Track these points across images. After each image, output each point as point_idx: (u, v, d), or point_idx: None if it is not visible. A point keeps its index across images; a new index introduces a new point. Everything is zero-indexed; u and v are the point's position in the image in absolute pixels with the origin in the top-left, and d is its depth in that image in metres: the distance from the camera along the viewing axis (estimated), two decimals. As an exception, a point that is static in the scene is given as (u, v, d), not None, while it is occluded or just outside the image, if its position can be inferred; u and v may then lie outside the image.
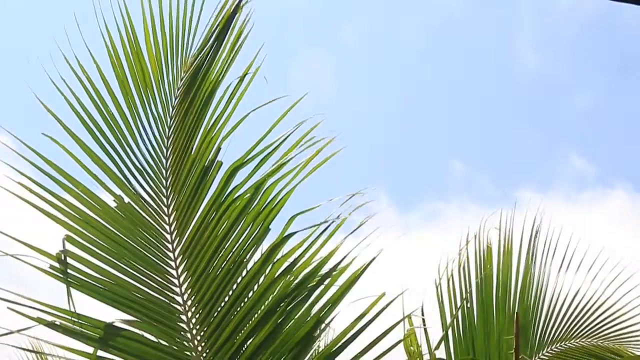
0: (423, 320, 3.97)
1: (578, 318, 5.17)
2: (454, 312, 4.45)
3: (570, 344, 5.16)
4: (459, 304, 4.50)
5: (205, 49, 3.76)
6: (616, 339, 5.26)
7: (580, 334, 5.19)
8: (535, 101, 11.55)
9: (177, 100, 3.78)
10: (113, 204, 3.64)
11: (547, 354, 5.02)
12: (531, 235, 4.99)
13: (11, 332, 3.36)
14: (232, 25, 3.73)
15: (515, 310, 4.70)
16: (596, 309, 5.23)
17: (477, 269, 4.67)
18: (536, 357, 4.92)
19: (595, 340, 5.24)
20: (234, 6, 3.73)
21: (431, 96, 11.53)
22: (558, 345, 5.09)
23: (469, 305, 4.55)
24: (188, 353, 3.60)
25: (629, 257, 5.18)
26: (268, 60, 3.72)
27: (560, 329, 5.09)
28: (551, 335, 5.04)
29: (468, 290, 4.55)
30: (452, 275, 4.52)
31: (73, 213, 3.58)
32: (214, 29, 3.76)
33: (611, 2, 2.35)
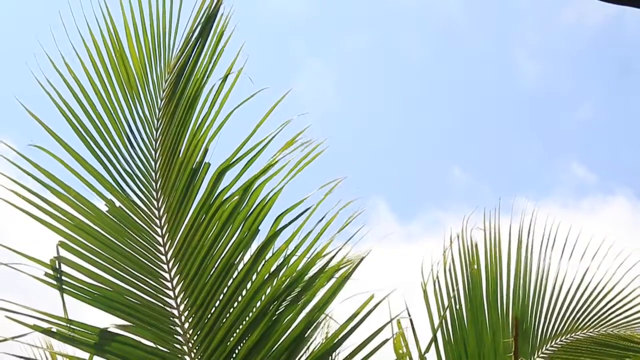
0: (411, 322, 3.97)
1: (583, 309, 5.09)
2: (442, 313, 4.41)
3: (577, 335, 5.11)
4: (446, 304, 4.45)
5: (187, 49, 3.73)
6: (626, 326, 5.19)
7: (587, 325, 5.12)
8: (536, 109, 11.54)
9: (163, 102, 3.76)
10: (104, 208, 3.65)
11: (552, 347, 4.97)
12: (520, 230, 4.93)
13: (6, 339, 3.38)
14: (214, 25, 3.71)
15: (510, 307, 4.65)
16: (602, 298, 5.15)
17: (463, 268, 4.62)
18: (539, 352, 4.87)
19: (604, 329, 5.17)
20: (213, 5, 3.71)
21: (432, 104, 11.54)
22: (564, 338, 5.03)
23: (457, 307, 4.49)
24: (181, 356, 3.60)
25: (632, 252, 5.13)
26: (269, 68, 3.72)
27: (564, 321, 5.02)
28: (555, 328, 4.97)
29: (455, 289, 4.51)
30: (437, 277, 4.48)
31: (65, 218, 3.58)
32: (194, 28, 3.74)
33: (611, 7, 2.34)
